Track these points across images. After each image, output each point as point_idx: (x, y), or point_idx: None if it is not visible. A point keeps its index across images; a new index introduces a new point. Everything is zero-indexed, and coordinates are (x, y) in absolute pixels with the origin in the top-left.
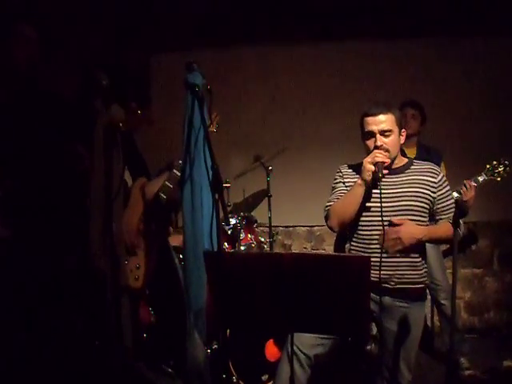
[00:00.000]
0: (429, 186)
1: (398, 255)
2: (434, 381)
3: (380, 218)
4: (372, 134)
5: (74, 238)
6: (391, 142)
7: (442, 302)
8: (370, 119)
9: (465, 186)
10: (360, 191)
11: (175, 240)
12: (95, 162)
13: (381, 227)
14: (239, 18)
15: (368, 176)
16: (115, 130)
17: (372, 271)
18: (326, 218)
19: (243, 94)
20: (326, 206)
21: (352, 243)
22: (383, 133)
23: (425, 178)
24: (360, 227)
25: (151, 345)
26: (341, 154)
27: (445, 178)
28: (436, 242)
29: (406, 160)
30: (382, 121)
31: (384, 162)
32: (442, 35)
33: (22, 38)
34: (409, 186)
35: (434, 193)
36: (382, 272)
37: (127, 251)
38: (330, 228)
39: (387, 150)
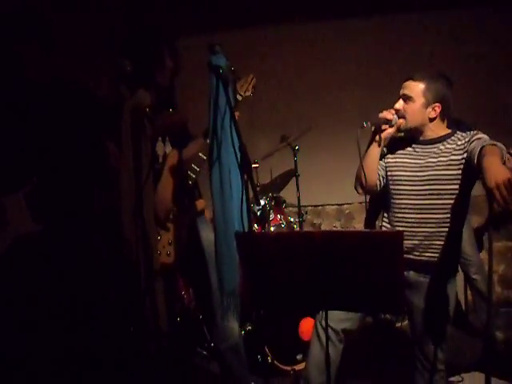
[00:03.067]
0: (461, 149)
1: (428, 225)
2: (470, 355)
3: (418, 188)
4: (399, 97)
5: (106, 227)
6: (410, 109)
7: (474, 276)
8: (403, 83)
9: (509, 153)
10: (373, 151)
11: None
12: (123, 147)
13: (419, 196)
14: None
15: (373, 134)
16: (142, 114)
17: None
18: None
19: (267, 75)
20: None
21: (389, 214)
22: (404, 98)
23: (456, 143)
24: (393, 196)
25: (186, 327)
26: (368, 131)
27: (476, 132)
28: None
29: (444, 132)
30: (408, 86)
31: (387, 119)
32: (468, 8)
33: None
34: (443, 156)
35: (467, 151)
36: (410, 241)
37: (161, 226)
38: (355, 188)
39: (403, 117)
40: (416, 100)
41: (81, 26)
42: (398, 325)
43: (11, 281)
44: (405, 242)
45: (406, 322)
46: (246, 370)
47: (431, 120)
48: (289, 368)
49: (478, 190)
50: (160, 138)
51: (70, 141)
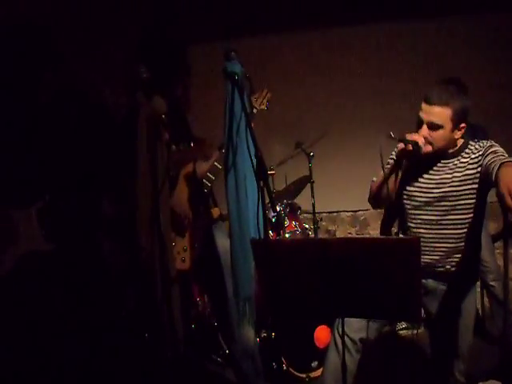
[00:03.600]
0: (476, 163)
1: (448, 241)
2: (487, 363)
3: (436, 204)
4: (421, 122)
5: (121, 236)
6: (438, 136)
7: (491, 283)
8: (424, 106)
9: None
10: (393, 168)
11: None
12: (139, 155)
13: (436, 212)
14: (277, 4)
15: (399, 153)
16: (158, 121)
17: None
18: (369, 193)
19: (281, 81)
20: (372, 181)
21: (404, 228)
22: (431, 126)
23: (470, 157)
24: (410, 211)
25: (201, 334)
26: (383, 137)
27: (490, 143)
28: None
29: (459, 143)
30: (435, 113)
31: (417, 144)
32: (480, 10)
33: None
34: (458, 171)
35: (481, 165)
36: (431, 257)
37: (177, 233)
38: (369, 202)
39: (430, 143)
40: (445, 127)
41: (96, 33)
42: (410, 332)
43: (18, 296)
44: (424, 257)
45: (421, 330)
46: (262, 378)
47: (456, 139)
48: (304, 375)
49: (494, 196)
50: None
51: (84, 157)
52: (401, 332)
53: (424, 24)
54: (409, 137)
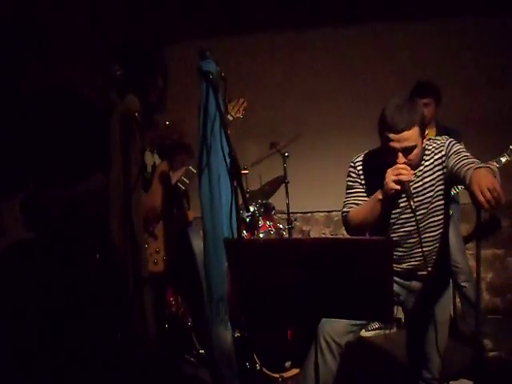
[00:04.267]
0: (439, 164)
1: (426, 244)
2: (459, 362)
3: (410, 215)
4: (394, 151)
5: (97, 234)
6: (415, 155)
7: (463, 284)
8: (392, 136)
9: None
10: (379, 206)
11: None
12: (112, 153)
13: (412, 222)
14: (251, 4)
15: (391, 193)
16: (131, 120)
17: (403, 263)
18: (344, 224)
19: (257, 82)
20: (343, 212)
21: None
22: (407, 150)
23: (434, 159)
24: (390, 227)
25: (174, 334)
26: (357, 138)
27: (453, 142)
28: None
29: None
30: (406, 138)
31: (409, 180)
32: (456, 14)
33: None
34: (425, 177)
35: (446, 167)
36: (410, 263)
37: (150, 234)
38: (349, 234)
39: (410, 165)
40: (418, 144)
41: (76, 31)
42: (382, 332)
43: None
44: (405, 263)
45: (393, 331)
46: (237, 379)
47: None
48: (277, 375)
49: (466, 198)
50: (148, 148)
51: (65, 146)
52: (373, 332)
53: (403, 26)
54: (403, 177)
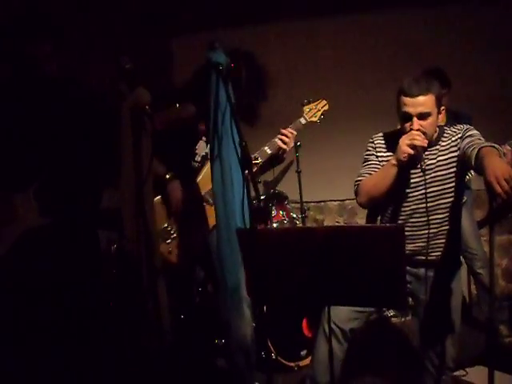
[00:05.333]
0: (455, 146)
1: (433, 226)
2: (474, 349)
3: (420, 192)
4: (409, 116)
5: (111, 223)
6: (429, 124)
7: (478, 270)
8: (407, 100)
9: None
10: (393, 171)
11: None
12: (123, 146)
13: (421, 200)
14: None
15: (404, 158)
16: (141, 112)
17: (408, 244)
18: (356, 193)
19: (269, 71)
20: (357, 181)
21: (386, 217)
22: (421, 116)
23: (451, 141)
24: (399, 202)
25: (190, 325)
26: (370, 126)
27: (468, 127)
28: None
29: (437, 129)
30: (421, 103)
31: (423, 146)
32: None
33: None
34: (441, 155)
35: (459, 148)
36: (416, 244)
37: (179, 228)
38: (360, 204)
39: (424, 133)
40: (433, 113)
41: (84, 24)
42: (399, 320)
43: (17, 274)
44: (411, 245)
45: (408, 318)
46: (253, 370)
47: (438, 125)
48: (293, 364)
49: (480, 184)
50: (204, 138)
51: (79, 137)
52: (393, 319)
53: (412, 13)
54: (416, 142)
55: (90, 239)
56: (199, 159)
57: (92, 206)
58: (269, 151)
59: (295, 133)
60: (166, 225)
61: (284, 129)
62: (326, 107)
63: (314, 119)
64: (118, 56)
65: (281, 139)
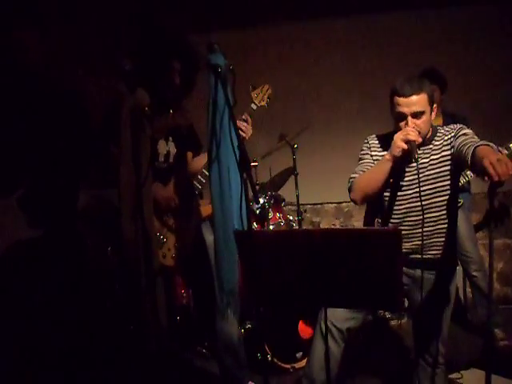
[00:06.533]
0: (448, 144)
1: (428, 224)
2: (469, 353)
3: (415, 190)
4: (403, 116)
5: (105, 227)
6: (423, 122)
7: (474, 273)
8: (401, 100)
9: None
10: (387, 167)
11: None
12: (122, 147)
13: (416, 198)
14: None
15: (398, 153)
16: (141, 114)
17: (405, 243)
18: (349, 190)
19: (265, 74)
20: (351, 178)
21: (382, 217)
22: (415, 115)
23: (443, 140)
24: (394, 201)
25: (186, 326)
26: (366, 128)
27: (461, 126)
28: None
29: (430, 129)
30: (415, 102)
31: (416, 141)
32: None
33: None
34: (434, 154)
35: (453, 146)
36: (412, 243)
37: (168, 229)
38: (353, 201)
39: (419, 132)
40: (426, 111)
41: (84, 25)
42: (395, 322)
43: (6, 284)
44: (407, 243)
45: (404, 320)
46: (245, 370)
47: (431, 124)
48: (288, 366)
49: (477, 187)
50: (163, 137)
51: (63, 141)
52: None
53: (408, 15)
54: (410, 137)
55: (81, 248)
56: (162, 159)
57: (74, 211)
58: None
59: (250, 119)
60: (157, 233)
61: (239, 119)
62: (270, 91)
63: (262, 103)
64: (117, 57)
65: (239, 128)
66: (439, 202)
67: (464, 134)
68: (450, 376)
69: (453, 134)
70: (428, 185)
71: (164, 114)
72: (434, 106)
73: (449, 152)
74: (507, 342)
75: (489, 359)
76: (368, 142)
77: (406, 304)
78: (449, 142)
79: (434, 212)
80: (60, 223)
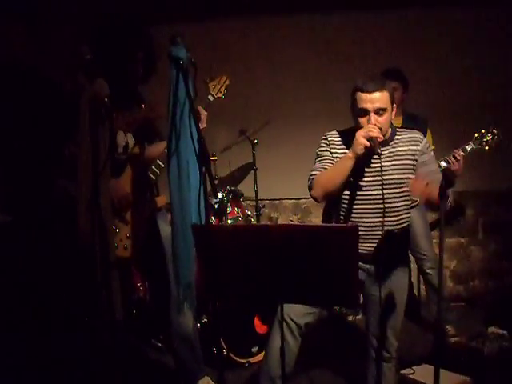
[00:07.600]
0: (412, 155)
1: (386, 227)
2: (421, 348)
3: (376, 192)
4: (366, 112)
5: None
6: (385, 120)
7: (428, 271)
8: (364, 96)
9: (453, 156)
10: (349, 164)
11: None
12: (81, 138)
13: (377, 200)
14: None
15: (360, 150)
16: (100, 104)
17: (362, 244)
18: (310, 187)
19: (226, 68)
20: (311, 175)
21: (341, 216)
22: (378, 111)
23: (408, 147)
24: (352, 201)
25: (141, 319)
26: (327, 125)
27: (428, 145)
28: (432, 200)
29: (390, 130)
30: (377, 99)
31: (378, 138)
32: (427, 3)
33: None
34: (396, 159)
35: (416, 160)
36: (368, 244)
37: (120, 219)
38: (314, 198)
39: (380, 129)
40: (388, 109)
41: (47, 13)
42: (351, 319)
43: None
44: (365, 245)
45: (359, 317)
46: (201, 364)
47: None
48: (244, 360)
49: None
50: (123, 129)
51: (33, 130)
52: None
53: (375, 14)
54: (372, 133)
55: (46, 236)
56: (121, 150)
57: (46, 201)
58: None
59: (205, 113)
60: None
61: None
62: (228, 82)
63: (219, 95)
64: (77, 45)
65: None
66: (398, 206)
67: (430, 160)
68: (402, 371)
69: (419, 148)
70: (389, 188)
71: (134, 107)
72: (394, 105)
73: (411, 161)
74: (458, 339)
75: (439, 355)
76: (327, 139)
77: (361, 300)
78: (413, 152)
79: (393, 216)
80: (30, 209)
